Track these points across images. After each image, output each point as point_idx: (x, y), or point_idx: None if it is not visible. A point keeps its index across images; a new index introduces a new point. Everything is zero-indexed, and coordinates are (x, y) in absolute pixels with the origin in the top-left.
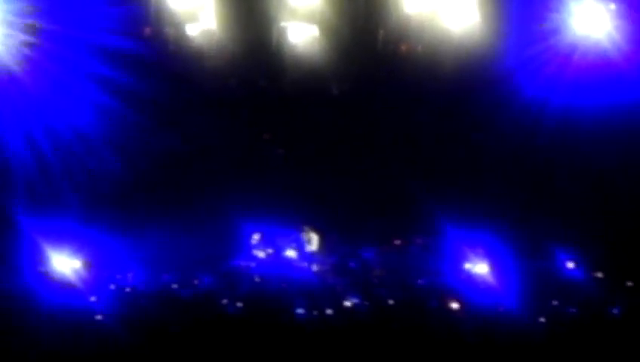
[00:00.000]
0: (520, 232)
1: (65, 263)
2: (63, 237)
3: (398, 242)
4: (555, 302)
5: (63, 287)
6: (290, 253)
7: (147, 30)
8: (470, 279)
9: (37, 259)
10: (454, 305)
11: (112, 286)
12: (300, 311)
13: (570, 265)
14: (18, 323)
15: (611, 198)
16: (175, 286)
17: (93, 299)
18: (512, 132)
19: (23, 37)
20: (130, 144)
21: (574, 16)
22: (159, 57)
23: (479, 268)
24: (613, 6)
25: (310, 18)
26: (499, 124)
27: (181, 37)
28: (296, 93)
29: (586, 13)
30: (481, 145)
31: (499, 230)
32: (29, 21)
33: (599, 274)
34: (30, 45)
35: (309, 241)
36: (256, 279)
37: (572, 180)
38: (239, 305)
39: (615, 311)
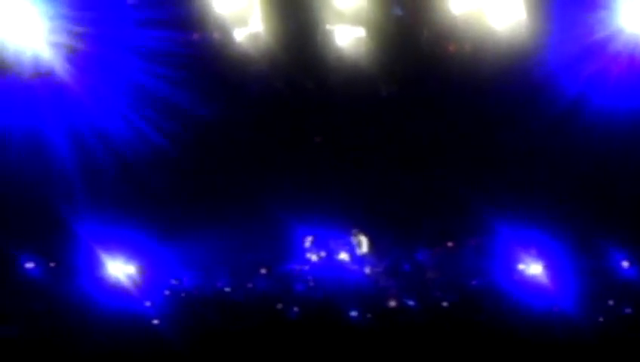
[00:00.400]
0: (574, 232)
1: (120, 268)
2: (119, 243)
3: (450, 244)
4: (610, 302)
5: (119, 292)
6: (343, 256)
7: (193, 34)
8: (524, 280)
9: (94, 264)
10: (509, 307)
11: (167, 292)
12: (353, 313)
13: (626, 264)
14: (76, 326)
15: None
16: (229, 290)
17: (148, 304)
18: (564, 131)
19: (67, 39)
20: (180, 149)
21: (623, 13)
22: (205, 61)
23: (533, 268)
24: None
25: (356, 19)
26: (549, 123)
27: (227, 41)
28: (344, 95)
29: (636, 10)
30: (532, 144)
31: (553, 230)
32: (73, 23)
33: None
34: (74, 48)
35: (358, 244)
36: (310, 282)
37: (626, 178)
38: (294, 308)
39: None
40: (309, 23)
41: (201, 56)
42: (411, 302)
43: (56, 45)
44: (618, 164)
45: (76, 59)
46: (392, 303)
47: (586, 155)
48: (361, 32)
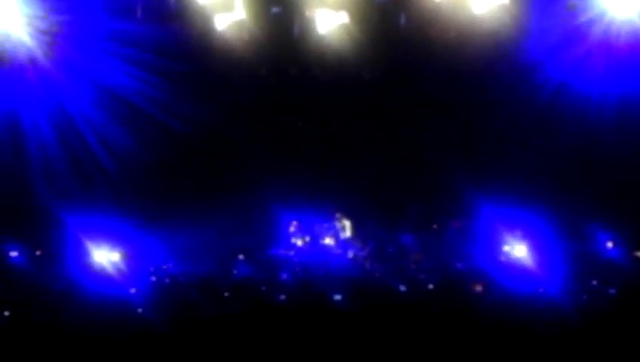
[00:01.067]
0: (558, 214)
1: (105, 256)
2: (103, 231)
3: (435, 226)
4: (594, 282)
5: (104, 279)
6: (328, 241)
7: (175, 22)
8: (509, 261)
9: (79, 252)
10: (493, 288)
11: (152, 278)
12: (339, 297)
13: (610, 244)
14: (63, 312)
15: None
16: (214, 276)
17: (133, 290)
18: (547, 116)
19: (43, 26)
20: (163, 136)
21: None
22: (188, 47)
23: (518, 250)
24: None
25: (338, 5)
26: (533, 108)
27: (209, 28)
28: (327, 80)
29: None
30: (515, 128)
31: (537, 212)
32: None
33: (639, 254)
34: (51, 35)
35: (342, 228)
36: (296, 267)
37: (609, 161)
38: (279, 293)
39: None
40: (292, 8)
41: (183, 43)
42: (396, 285)
43: (31, 31)
44: (601, 148)
45: (52, 44)
46: (377, 286)
47: (570, 140)
48: (343, 18)
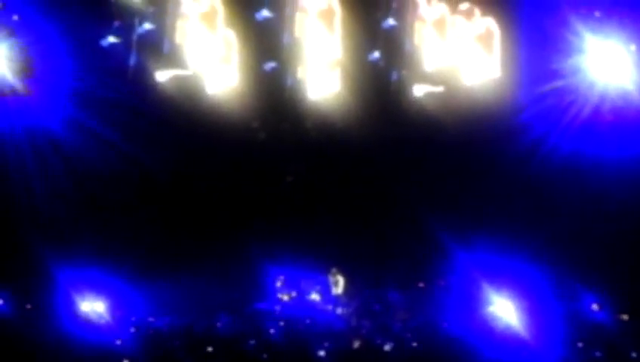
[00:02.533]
0: (545, 275)
1: (91, 307)
2: (89, 282)
3: (421, 284)
4: (580, 345)
5: (90, 329)
6: (315, 296)
7: (168, 77)
8: (494, 321)
9: (66, 304)
10: (479, 347)
11: (137, 330)
12: (321, 353)
13: (596, 307)
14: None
15: (636, 242)
16: (199, 329)
17: (118, 341)
18: (535, 178)
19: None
20: (151, 190)
21: (593, 62)
22: (180, 105)
23: (503, 309)
24: (633, 47)
25: (329, 65)
26: (519, 170)
27: (202, 87)
28: (317, 137)
29: (604, 57)
30: (501, 188)
31: (523, 272)
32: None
33: (624, 317)
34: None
35: (335, 284)
36: (281, 322)
37: (596, 224)
38: (263, 347)
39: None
40: (285, 65)
41: (176, 100)
42: (381, 343)
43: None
44: (588, 211)
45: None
46: (363, 343)
47: (557, 202)
48: (334, 77)
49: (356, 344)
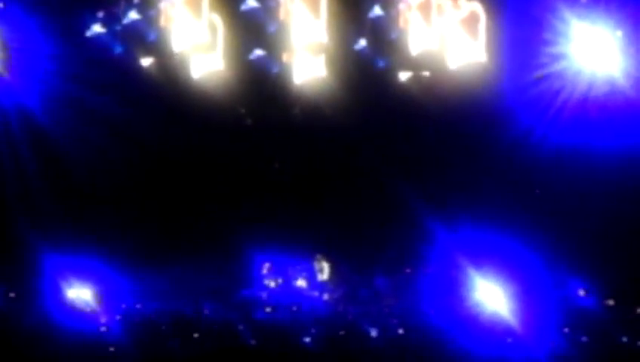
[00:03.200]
0: (531, 261)
1: (77, 294)
2: (75, 269)
3: (408, 270)
4: (566, 330)
5: (76, 316)
6: (301, 283)
7: (152, 65)
8: (481, 307)
9: (52, 290)
10: (465, 334)
11: (124, 317)
12: (307, 339)
13: (582, 292)
14: (35, 350)
15: (622, 227)
16: (186, 315)
17: (104, 328)
18: (520, 165)
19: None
20: (136, 176)
21: (580, 48)
22: (167, 92)
23: (490, 296)
24: (620, 33)
25: (316, 51)
26: (504, 158)
27: (189, 73)
28: (304, 123)
29: (591, 43)
30: (490, 176)
31: (510, 258)
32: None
33: (610, 302)
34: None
35: (320, 270)
36: (267, 309)
37: (582, 209)
38: (250, 334)
39: (626, 339)
40: (272, 52)
41: (161, 87)
42: (368, 329)
43: None
44: (574, 197)
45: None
46: (350, 330)
47: (543, 188)
48: (320, 62)
49: (342, 330)
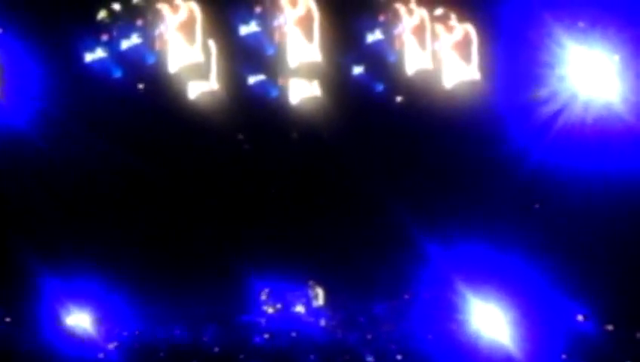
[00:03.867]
0: (530, 286)
1: (75, 319)
2: (76, 293)
3: (407, 296)
4: (564, 357)
5: (74, 343)
6: (299, 309)
7: (149, 88)
8: (479, 332)
9: (53, 315)
10: (464, 360)
11: (123, 343)
12: None
13: (581, 318)
14: None
15: (620, 251)
16: (185, 341)
17: (101, 355)
18: (517, 186)
19: None
20: (134, 201)
21: (576, 72)
22: (161, 114)
23: (488, 321)
24: (617, 57)
25: (311, 75)
26: (500, 178)
27: (184, 93)
28: (301, 148)
29: (588, 66)
30: (488, 198)
31: (508, 284)
32: None
33: (609, 327)
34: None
35: (315, 296)
36: (266, 335)
37: (579, 233)
38: (249, 360)
39: None
40: (267, 77)
41: (158, 112)
42: (366, 355)
43: None
44: (573, 221)
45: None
46: (348, 356)
47: (542, 212)
48: (315, 86)
49: (341, 356)
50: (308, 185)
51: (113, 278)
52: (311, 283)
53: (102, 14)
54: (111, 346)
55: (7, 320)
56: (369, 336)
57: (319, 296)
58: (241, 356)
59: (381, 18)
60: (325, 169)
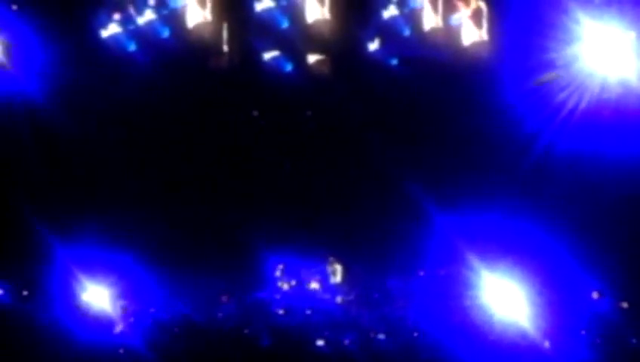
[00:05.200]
0: (545, 263)
1: (86, 297)
2: (91, 268)
3: (422, 273)
4: (582, 332)
5: (87, 320)
6: (314, 285)
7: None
8: (494, 309)
9: (63, 291)
10: (479, 337)
11: (136, 319)
12: (320, 342)
13: (595, 295)
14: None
15: (636, 230)
16: (199, 318)
17: (116, 330)
18: (531, 158)
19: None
20: (150, 177)
21: (592, 50)
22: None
23: (503, 298)
24: (633, 35)
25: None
26: (516, 161)
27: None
28: (317, 124)
29: (603, 44)
30: (502, 179)
31: (523, 261)
32: None
33: (625, 305)
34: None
35: (333, 273)
36: (280, 311)
37: (594, 213)
38: (263, 336)
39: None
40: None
41: (173, 87)
42: (381, 332)
43: None
44: (586, 200)
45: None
46: (362, 333)
47: (555, 193)
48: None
49: (356, 333)
50: (322, 162)
51: (127, 254)
52: (331, 259)
53: None
54: (125, 321)
55: (25, 293)
56: (383, 313)
57: (337, 273)
58: (247, 331)
59: None
60: (340, 146)
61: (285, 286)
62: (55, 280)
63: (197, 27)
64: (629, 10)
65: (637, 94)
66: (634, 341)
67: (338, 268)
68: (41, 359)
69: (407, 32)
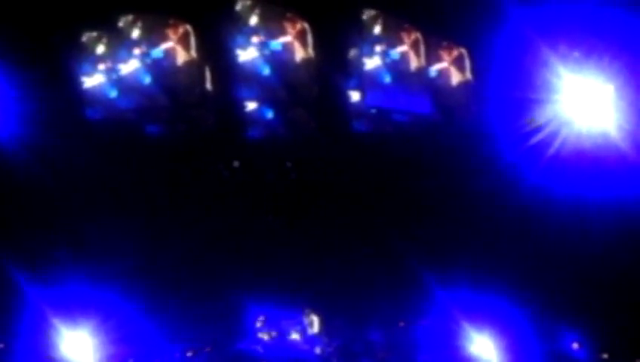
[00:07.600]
0: (526, 314)
1: (69, 342)
2: (70, 314)
3: (402, 324)
4: None
5: None
6: (295, 336)
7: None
8: (475, 360)
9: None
10: None
11: None
12: None
13: (576, 346)
14: None
15: (615, 278)
16: None
17: None
18: (514, 212)
19: None
20: (135, 229)
21: (571, 102)
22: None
23: (484, 349)
24: (612, 87)
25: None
26: (496, 208)
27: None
28: (298, 178)
29: (583, 96)
30: (484, 225)
31: (504, 312)
32: None
33: (605, 356)
34: None
35: (310, 324)
36: None
37: (574, 261)
38: None
39: None
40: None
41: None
42: None
43: None
44: (568, 247)
45: None
46: None
47: (537, 240)
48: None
49: None
50: (303, 213)
51: (108, 300)
52: (306, 311)
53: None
54: None
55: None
56: None
57: (314, 324)
58: None
59: (377, 45)
60: (323, 196)
61: (266, 337)
62: (31, 329)
63: (179, 75)
64: (608, 63)
65: (616, 145)
66: None
67: (315, 319)
68: None
69: (389, 82)
